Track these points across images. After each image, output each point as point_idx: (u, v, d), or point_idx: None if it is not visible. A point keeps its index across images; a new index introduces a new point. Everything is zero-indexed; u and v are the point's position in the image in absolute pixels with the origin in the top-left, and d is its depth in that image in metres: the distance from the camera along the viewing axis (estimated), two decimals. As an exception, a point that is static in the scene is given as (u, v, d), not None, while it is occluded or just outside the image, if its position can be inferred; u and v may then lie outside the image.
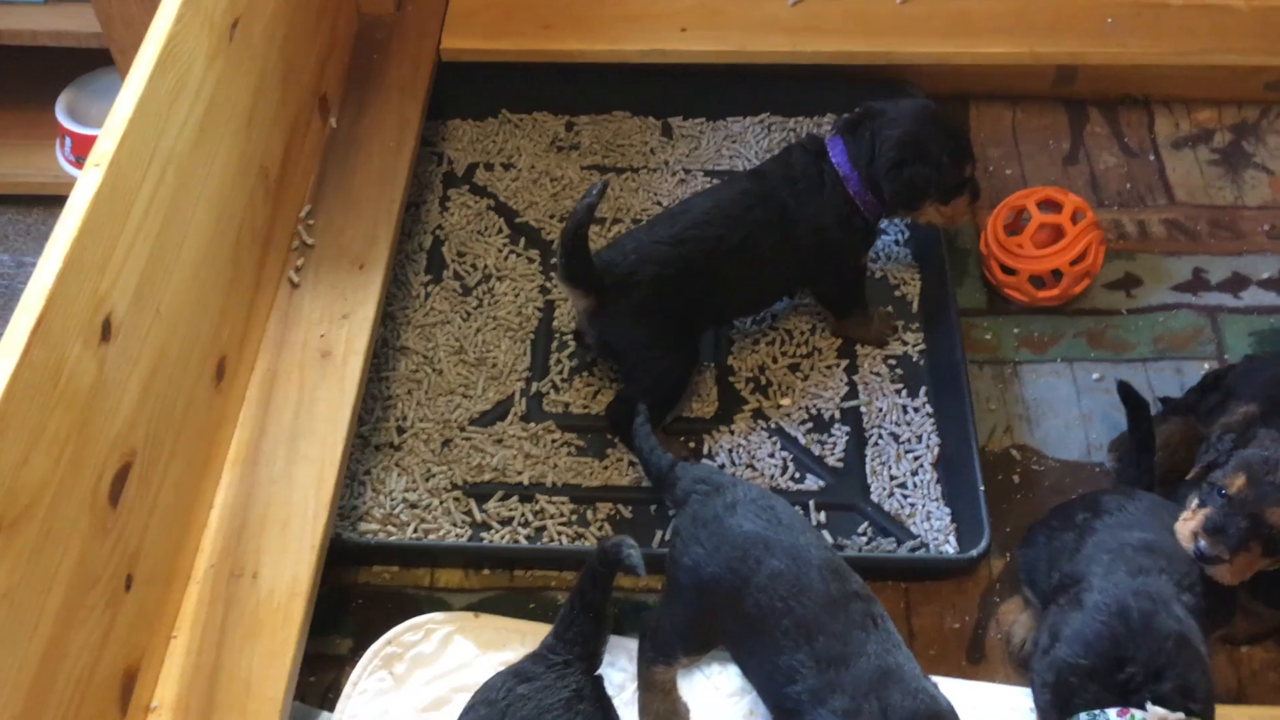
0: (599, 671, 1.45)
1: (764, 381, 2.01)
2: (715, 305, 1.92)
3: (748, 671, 1.50)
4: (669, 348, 1.89)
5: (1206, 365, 2.01)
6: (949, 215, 1.95)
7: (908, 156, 1.85)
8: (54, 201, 2.24)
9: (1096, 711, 1.41)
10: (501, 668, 1.66)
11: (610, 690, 1.50)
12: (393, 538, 1.82)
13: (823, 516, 1.86)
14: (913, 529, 1.84)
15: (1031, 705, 1.59)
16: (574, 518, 1.86)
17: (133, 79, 1.40)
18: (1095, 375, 2.01)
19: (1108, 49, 2.26)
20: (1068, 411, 1.97)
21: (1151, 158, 2.33)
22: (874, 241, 2.01)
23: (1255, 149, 2.34)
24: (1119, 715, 1.39)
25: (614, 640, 1.69)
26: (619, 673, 1.67)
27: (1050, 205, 2.06)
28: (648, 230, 1.91)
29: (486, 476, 1.90)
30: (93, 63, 2.27)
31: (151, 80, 1.41)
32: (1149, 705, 1.38)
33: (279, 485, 1.67)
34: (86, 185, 1.30)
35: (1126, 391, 1.80)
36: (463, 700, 1.42)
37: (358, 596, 1.79)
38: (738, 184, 1.93)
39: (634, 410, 1.73)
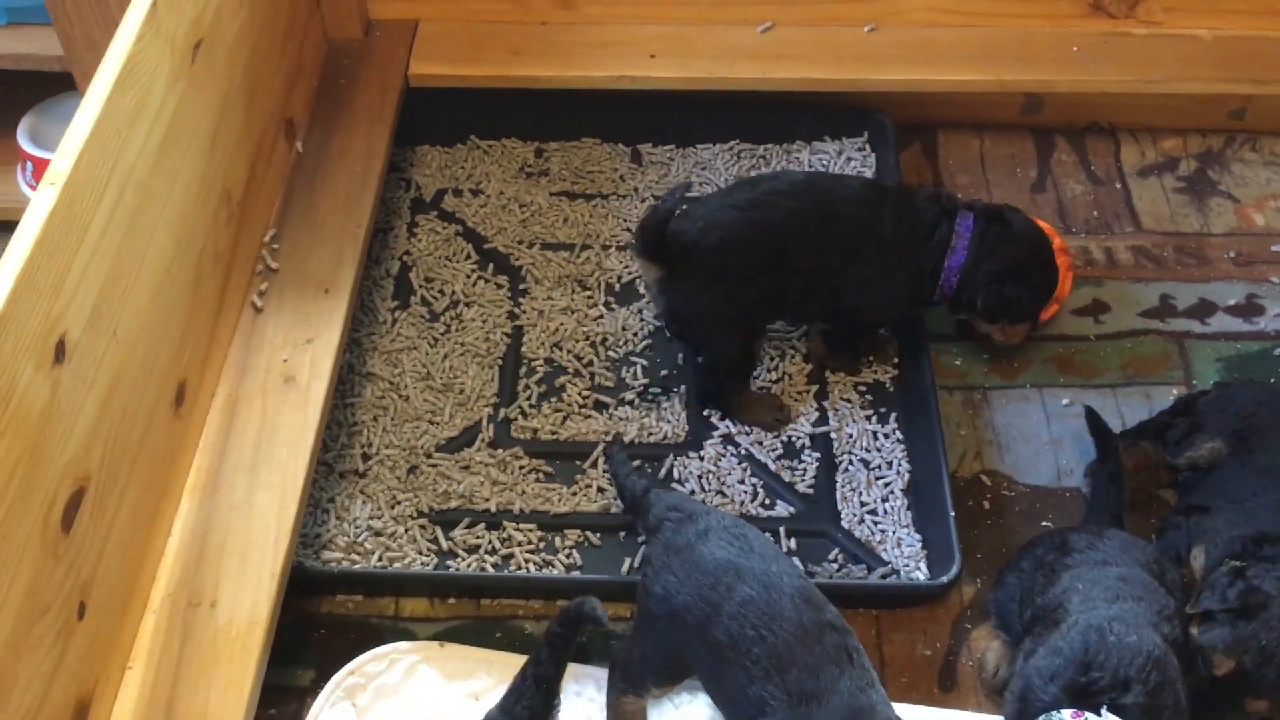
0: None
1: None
2: (771, 286, 1.89)
3: (718, 701, 1.47)
4: (732, 318, 1.89)
5: (1175, 391, 2.01)
6: (1008, 335, 1.98)
7: (1016, 275, 1.88)
8: (14, 228, 2.20)
9: (1053, 712, 1.39)
10: (467, 698, 1.64)
11: (579, 721, 1.47)
12: (356, 566, 1.79)
13: (793, 543, 1.84)
14: (883, 555, 1.82)
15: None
16: (542, 545, 1.83)
17: (91, 98, 1.37)
18: (1065, 401, 2.01)
19: (1074, 77, 2.28)
20: (1037, 437, 1.97)
21: (1118, 185, 2.35)
22: (908, 316, 2.01)
23: (1220, 177, 2.36)
24: (1073, 716, 1.38)
25: (583, 670, 1.66)
26: (588, 703, 1.64)
27: None
28: (723, 195, 1.91)
29: (453, 504, 1.87)
30: (56, 87, 2.25)
31: (110, 99, 1.39)
32: (1104, 711, 1.36)
33: (239, 513, 1.64)
34: (41, 204, 1.28)
35: (1095, 422, 1.80)
36: (427, 732, 1.39)
37: (320, 626, 1.75)
38: (848, 178, 1.93)
39: (718, 386, 1.84)
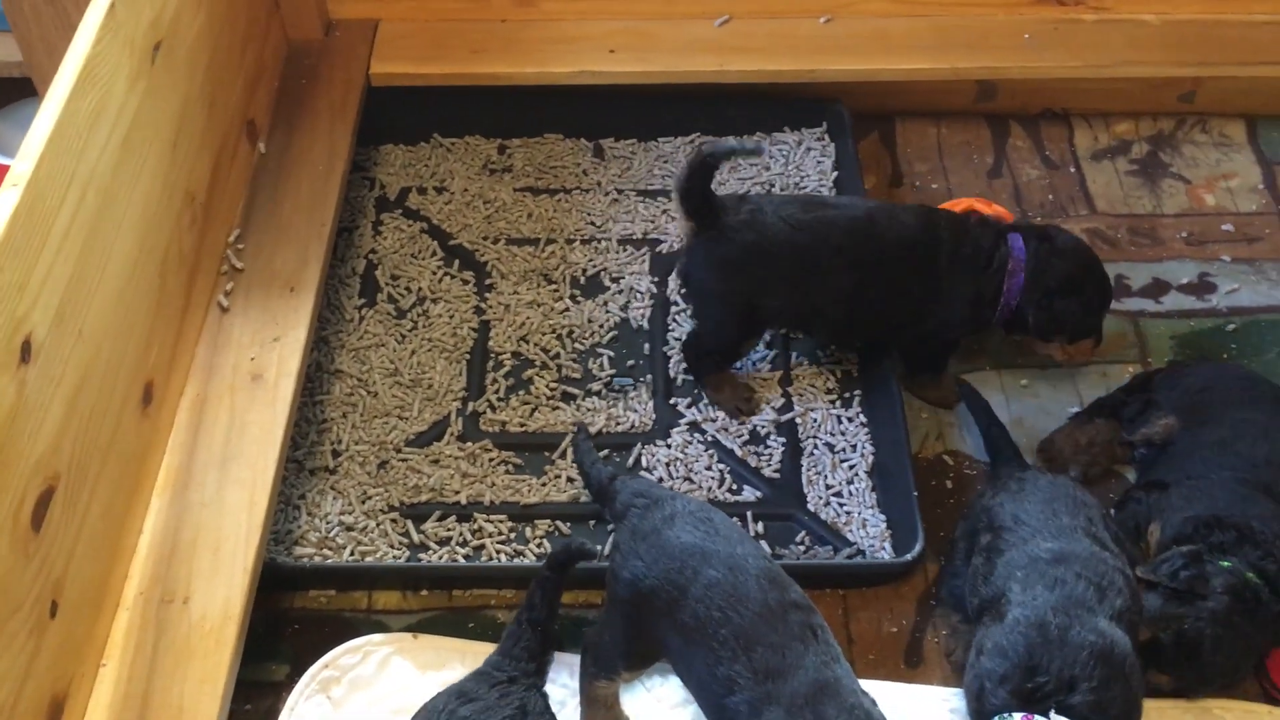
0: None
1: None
2: (792, 306, 1.90)
3: (687, 682, 1.50)
4: (731, 311, 1.91)
5: (1131, 369, 2.05)
6: (1070, 354, 1.97)
7: (1067, 291, 1.87)
8: (-22, 233, 2.20)
9: (1006, 714, 1.42)
10: (442, 688, 1.65)
11: (553, 707, 1.49)
12: (329, 560, 1.80)
13: (760, 527, 1.87)
14: (849, 536, 1.85)
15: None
16: (512, 535, 1.85)
17: (50, 100, 1.39)
18: (1023, 381, 2.05)
19: (1025, 64, 2.32)
20: (997, 416, 2.00)
21: (1072, 169, 2.39)
22: (978, 332, 2.00)
23: (1172, 159, 2.40)
24: (1023, 719, 1.41)
25: (555, 656, 1.68)
26: (560, 689, 1.65)
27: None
28: (781, 202, 1.91)
29: (424, 497, 1.89)
30: (17, 93, 2.25)
31: (70, 101, 1.40)
32: (1052, 714, 1.40)
33: (210, 509, 1.65)
34: (3, 207, 1.29)
35: (968, 394, 1.85)
36: (403, 722, 1.41)
37: (294, 621, 1.77)
38: (903, 215, 1.91)
39: (702, 352, 1.86)
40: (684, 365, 2.04)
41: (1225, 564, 1.57)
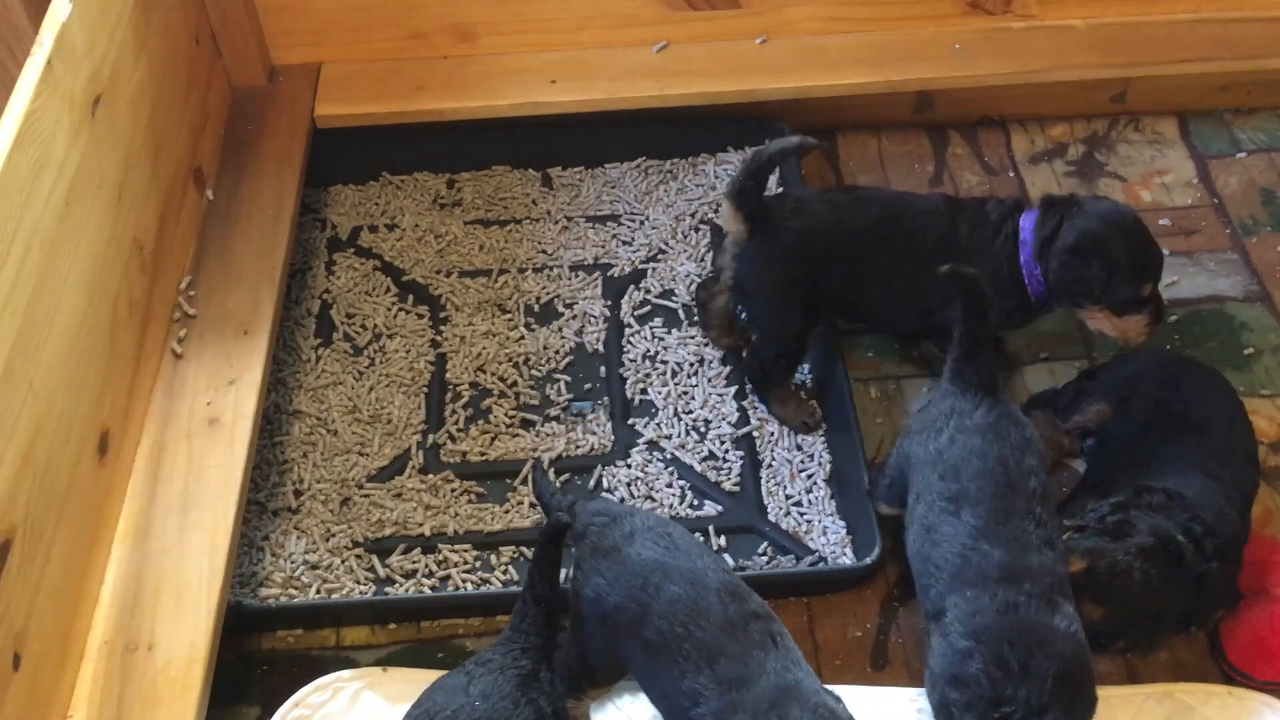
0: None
1: (656, 413, 2.05)
2: (843, 287, 1.93)
3: (653, 698, 1.51)
4: (794, 301, 1.93)
5: (1077, 365, 2.09)
6: (1121, 330, 1.88)
7: (1084, 248, 1.80)
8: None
9: None
10: (414, 719, 1.67)
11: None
12: (295, 600, 1.81)
13: (723, 540, 1.89)
14: (810, 544, 1.88)
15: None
16: (478, 564, 1.87)
17: (-10, 156, 1.40)
18: (973, 381, 2.08)
19: (958, 73, 2.38)
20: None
21: (1011, 174, 2.44)
22: (1026, 323, 1.97)
23: (1107, 158, 2.46)
24: None
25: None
26: (532, 713, 1.66)
27: None
28: (821, 191, 1.98)
29: (387, 531, 1.90)
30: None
31: (10, 158, 1.42)
32: None
33: (171, 555, 1.65)
34: (-54, 264, 1.30)
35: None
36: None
37: (262, 663, 1.77)
38: (931, 196, 1.98)
39: (765, 366, 1.90)
40: (640, 387, 2.06)
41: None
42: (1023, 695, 1.41)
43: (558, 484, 1.96)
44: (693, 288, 2.22)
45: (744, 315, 2.05)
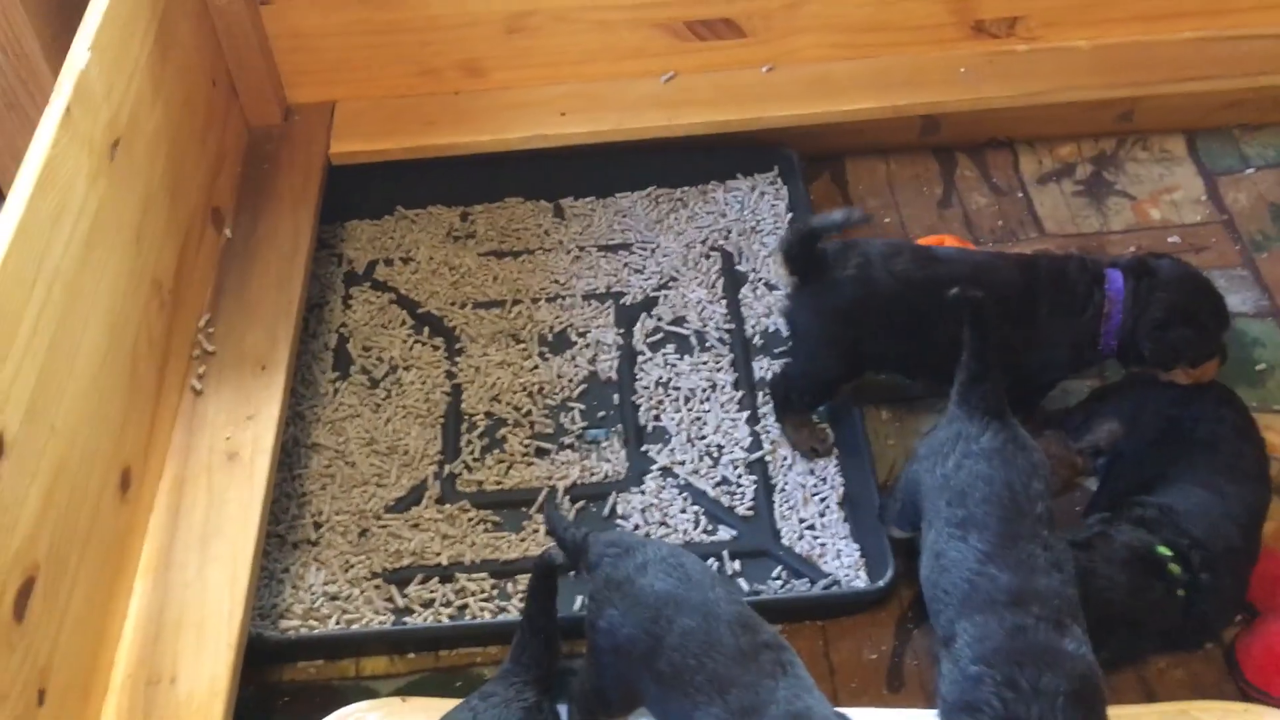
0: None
1: (669, 439, 2.06)
2: (899, 350, 1.93)
3: None
4: (838, 354, 1.94)
5: (1089, 384, 2.10)
6: (1196, 376, 1.92)
7: (1175, 320, 1.85)
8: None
9: None
10: (433, 749, 1.68)
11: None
12: (315, 631, 1.83)
13: (737, 565, 1.90)
14: (824, 568, 1.89)
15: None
16: (495, 592, 1.89)
17: (12, 202, 1.44)
18: (985, 402, 2.09)
19: (963, 97, 2.40)
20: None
21: (1020, 195, 2.45)
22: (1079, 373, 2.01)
23: (1116, 177, 2.47)
24: None
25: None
26: (551, 739, 1.68)
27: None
28: (889, 254, 1.90)
29: (405, 561, 1.92)
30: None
31: (31, 202, 1.46)
32: None
33: (192, 589, 1.68)
34: (-30, 308, 1.34)
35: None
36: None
37: (284, 694, 1.79)
38: (1006, 261, 1.93)
39: (790, 395, 1.87)
40: (653, 413, 2.09)
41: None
42: (1035, 714, 1.41)
43: (572, 511, 1.98)
44: (704, 314, 2.24)
45: (793, 349, 2.06)
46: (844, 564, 1.89)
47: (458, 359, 2.20)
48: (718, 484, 2.01)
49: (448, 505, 1.99)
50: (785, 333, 2.10)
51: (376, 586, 1.89)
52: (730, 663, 1.41)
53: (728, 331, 2.22)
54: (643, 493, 2.00)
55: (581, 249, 2.38)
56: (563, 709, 1.65)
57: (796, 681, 1.41)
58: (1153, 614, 1.63)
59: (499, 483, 2.02)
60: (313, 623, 1.84)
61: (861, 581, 1.86)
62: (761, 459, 2.03)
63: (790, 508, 1.97)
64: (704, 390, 2.13)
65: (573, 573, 1.85)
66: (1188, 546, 1.62)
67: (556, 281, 2.32)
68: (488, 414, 2.12)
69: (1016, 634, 1.45)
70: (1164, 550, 1.62)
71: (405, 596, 1.88)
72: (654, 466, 2.03)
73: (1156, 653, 1.74)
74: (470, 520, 1.97)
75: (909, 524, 1.72)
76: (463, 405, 2.13)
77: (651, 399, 2.13)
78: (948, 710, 1.48)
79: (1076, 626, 1.47)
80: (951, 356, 1.78)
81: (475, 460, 2.06)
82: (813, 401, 2.02)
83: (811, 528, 1.94)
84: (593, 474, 2.03)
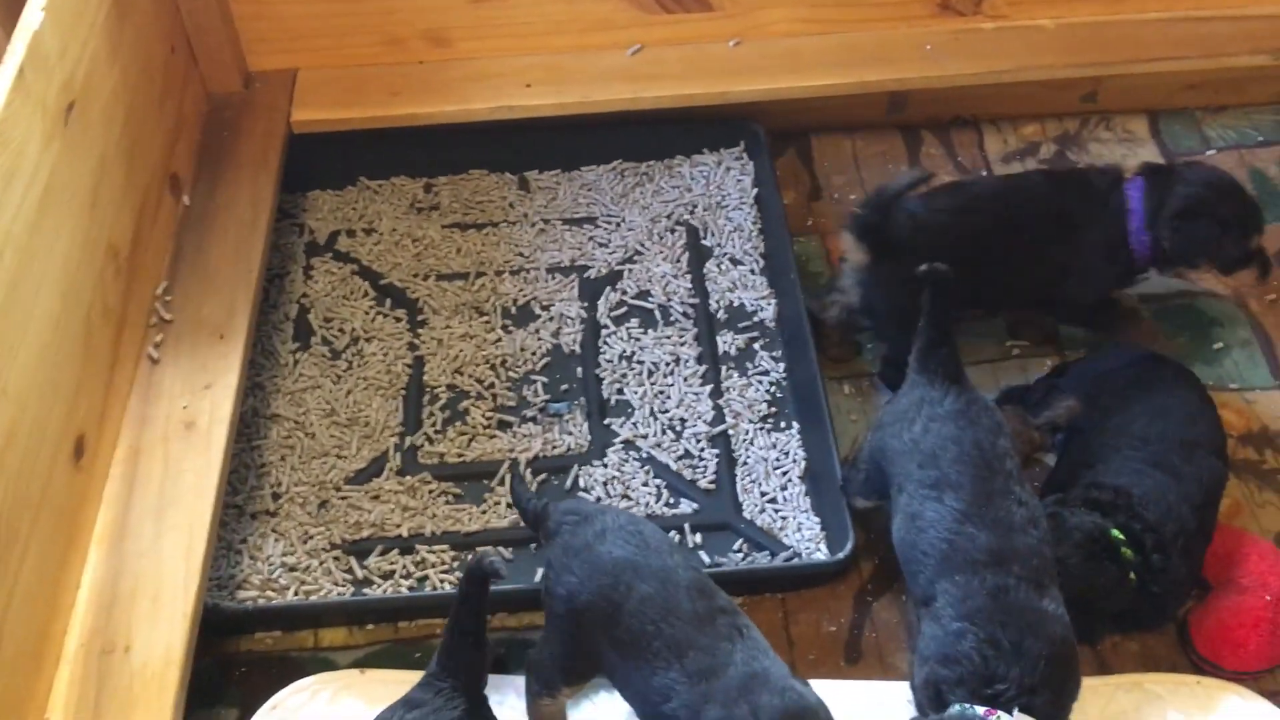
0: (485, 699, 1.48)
1: (632, 413, 2.06)
2: (971, 284, 1.90)
3: (626, 695, 1.52)
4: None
5: (1049, 362, 2.11)
6: (1232, 286, 1.99)
7: (1194, 211, 1.90)
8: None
9: (966, 706, 1.45)
10: (392, 719, 1.68)
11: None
12: (273, 601, 1.82)
13: (699, 538, 1.90)
14: (785, 540, 1.89)
15: (909, 697, 1.65)
16: (455, 564, 1.88)
17: (-39, 163, 1.41)
18: (947, 379, 2.10)
19: (929, 74, 2.40)
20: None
21: (984, 173, 2.46)
22: (1128, 285, 2.06)
23: (1079, 157, 2.48)
24: (986, 714, 1.44)
25: (503, 679, 1.71)
26: (509, 711, 1.67)
27: None
28: (926, 200, 1.97)
29: (365, 533, 1.91)
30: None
31: (-19, 164, 1.43)
32: (1016, 712, 1.43)
33: (148, 558, 1.66)
34: (-82, 269, 1.31)
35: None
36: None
37: (240, 665, 1.78)
38: (1029, 176, 2.02)
39: (898, 373, 1.82)
40: (616, 387, 2.08)
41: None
42: (1015, 674, 1.43)
43: (534, 484, 1.97)
44: (669, 288, 2.24)
45: (879, 334, 2.09)
46: (804, 537, 1.90)
47: (420, 331, 2.19)
48: (680, 457, 2.01)
49: (409, 477, 1.98)
50: (864, 316, 2.07)
51: (336, 558, 1.88)
52: (688, 627, 1.42)
53: (692, 306, 2.22)
54: (605, 466, 1.99)
55: (546, 222, 2.37)
56: (518, 687, 1.64)
57: (753, 644, 1.42)
58: (1106, 596, 1.65)
59: (460, 455, 2.01)
60: (270, 594, 1.83)
61: (822, 554, 1.87)
62: (724, 433, 2.04)
63: (752, 481, 1.97)
64: (667, 364, 2.13)
65: (533, 545, 1.88)
66: (1140, 530, 1.64)
67: (521, 254, 2.31)
68: (450, 386, 2.11)
69: (999, 594, 1.48)
70: (1117, 534, 1.63)
71: (365, 568, 1.87)
72: (616, 440, 2.03)
73: (1110, 633, 1.76)
74: (431, 492, 1.96)
75: (874, 493, 1.73)
76: (425, 377, 2.12)
77: (615, 372, 2.12)
78: (925, 663, 1.51)
79: (1054, 587, 1.51)
80: (1003, 279, 1.95)
81: (437, 432, 2.04)
82: None
83: (773, 501, 1.95)
84: (555, 447, 2.02)
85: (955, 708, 1.46)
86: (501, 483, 1.97)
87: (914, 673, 1.56)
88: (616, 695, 1.67)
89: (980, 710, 1.43)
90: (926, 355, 1.67)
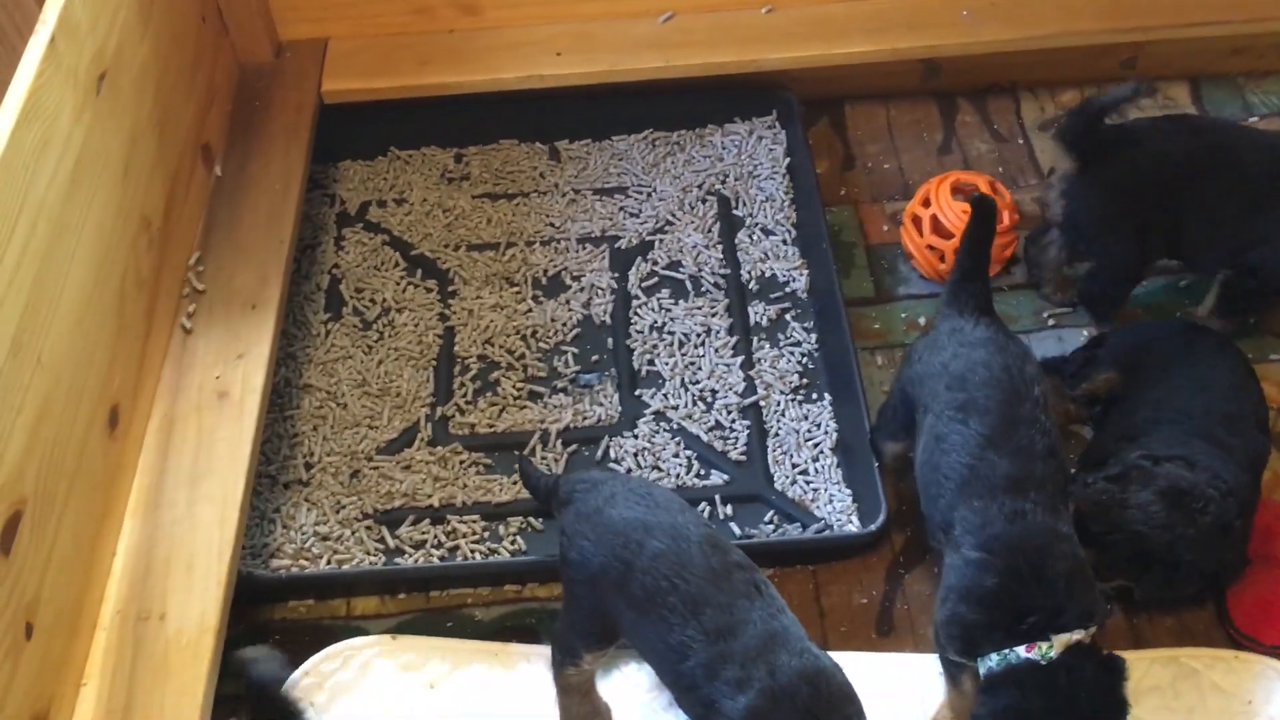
0: None
1: (663, 384, 2.05)
2: (1168, 217, 1.93)
3: (646, 657, 1.52)
4: (1130, 233, 1.95)
5: (1085, 333, 2.09)
6: None
7: None
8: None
9: (1006, 650, 1.46)
10: (423, 687, 1.69)
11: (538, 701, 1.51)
12: (306, 570, 1.83)
13: (729, 509, 1.90)
14: (816, 512, 1.89)
15: (940, 670, 1.64)
16: (486, 534, 1.89)
17: (-6, 135, 1.42)
18: (980, 349, 2.08)
19: (964, 40, 2.35)
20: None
21: (1020, 141, 2.42)
22: None
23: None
24: (1027, 650, 1.45)
25: (537, 649, 1.72)
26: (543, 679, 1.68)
27: (968, 185, 2.13)
28: (1151, 120, 1.98)
29: (397, 503, 1.92)
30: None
31: (14, 134, 1.43)
32: (1053, 637, 1.44)
33: (182, 526, 1.68)
34: (-48, 240, 1.32)
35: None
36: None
37: (274, 633, 1.80)
38: (1272, 133, 2.00)
39: (1102, 291, 1.87)
40: (647, 358, 2.07)
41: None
42: (1040, 601, 1.45)
43: (565, 455, 1.97)
44: (700, 259, 2.22)
45: (1080, 248, 2.04)
46: (836, 509, 1.89)
47: (451, 301, 2.19)
48: (711, 429, 2.00)
49: (439, 447, 1.98)
50: (1067, 234, 2.03)
51: (368, 527, 1.89)
52: (703, 582, 1.42)
53: (723, 276, 2.20)
54: (635, 437, 1.99)
55: (577, 192, 2.35)
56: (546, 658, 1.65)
57: (771, 601, 1.42)
58: (1194, 554, 1.62)
59: (491, 425, 2.02)
60: (303, 562, 1.84)
61: (854, 526, 1.86)
62: (755, 404, 2.02)
63: (783, 452, 1.96)
64: (698, 335, 2.12)
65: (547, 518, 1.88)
66: (1225, 492, 1.61)
67: (551, 224, 2.30)
68: (480, 357, 2.11)
69: (1015, 519, 1.49)
70: (1212, 490, 1.61)
71: (396, 538, 1.88)
72: (647, 411, 2.02)
73: (1192, 593, 1.73)
74: (462, 463, 1.97)
75: (902, 429, 1.73)
76: (455, 348, 2.12)
77: (645, 343, 2.11)
78: (948, 597, 1.52)
79: (1067, 512, 1.53)
80: (1210, 227, 1.90)
81: (467, 403, 2.05)
82: (1122, 293, 2.03)
83: (804, 472, 1.94)
84: (585, 418, 2.02)
85: (994, 656, 1.47)
86: (532, 453, 1.97)
87: (937, 608, 1.56)
88: (646, 667, 1.68)
89: (1021, 650, 1.45)
90: (959, 286, 1.68)
